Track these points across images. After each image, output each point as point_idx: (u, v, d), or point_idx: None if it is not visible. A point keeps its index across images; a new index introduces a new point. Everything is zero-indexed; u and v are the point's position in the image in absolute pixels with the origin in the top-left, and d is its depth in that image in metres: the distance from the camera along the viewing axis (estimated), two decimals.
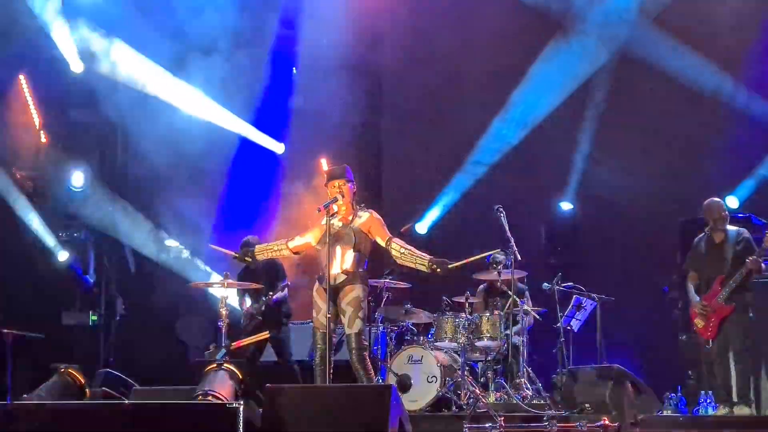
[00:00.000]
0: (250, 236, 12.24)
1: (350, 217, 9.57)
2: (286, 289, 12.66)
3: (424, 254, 9.41)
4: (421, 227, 15.92)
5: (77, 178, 15.45)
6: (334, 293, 9.42)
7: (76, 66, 14.92)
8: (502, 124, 15.46)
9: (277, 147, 16.22)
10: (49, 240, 15.22)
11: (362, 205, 9.68)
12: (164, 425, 5.73)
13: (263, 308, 12.41)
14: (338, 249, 9.43)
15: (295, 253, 10.05)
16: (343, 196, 9.54)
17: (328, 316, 9.34)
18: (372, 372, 9.41)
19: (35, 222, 15.18)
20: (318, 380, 9.40)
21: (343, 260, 9.43)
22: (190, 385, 8.21)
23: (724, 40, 14.12)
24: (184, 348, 14.40)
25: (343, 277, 9.41)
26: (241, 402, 7.07)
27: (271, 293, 12.35)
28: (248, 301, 12.58)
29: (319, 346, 9.48)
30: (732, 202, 13.57)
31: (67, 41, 14.81)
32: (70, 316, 15.26)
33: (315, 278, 9.61)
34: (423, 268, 9.40)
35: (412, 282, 12.66)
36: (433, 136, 15.72)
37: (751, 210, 12.83)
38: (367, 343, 9.57)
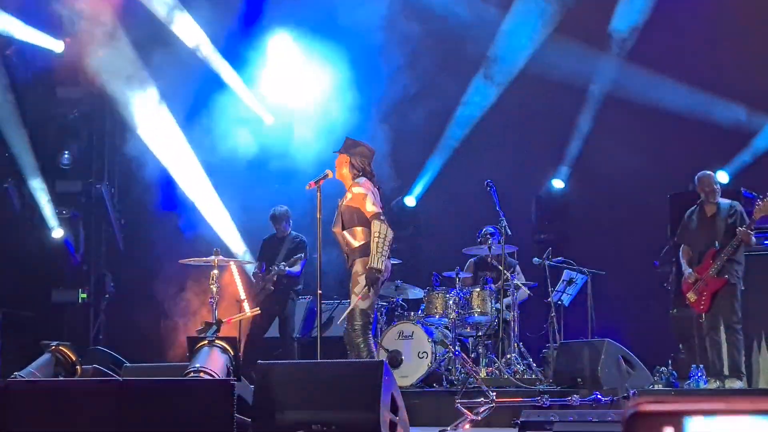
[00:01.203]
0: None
1: (345, 194, 9.54)
2: (302, 265, 12.66)
3: (375, 256, 9.20)
4: (410, 200, 15.88)
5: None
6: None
7: None
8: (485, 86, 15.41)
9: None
10: (50, 216, 15.13)
11: (358, 179, 9.53)
12: (157, 402, 5.69)
13: (275, 278, 12.43)
14: (338, 230, 9.43)
15: None
16: (334, 171, 9.51)
17: (319, 292, 9.36)
18: (370, 349, 9.28)
19: (42, 198, 15.09)
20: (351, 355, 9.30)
21: (345, 240, 9.41)
22: (181, 362, 8.20)
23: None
24: (174, 325, 14.35)
25: (349, 255, 9.40)
26: (234, 379, 7.05)
27: (284, 263, 12.36)
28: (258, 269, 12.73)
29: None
30: (722, 176, 13.56)
31: None
32: (59, 293, 15.21)
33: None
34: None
35: (403, 258, 12.64)
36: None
37: (741, 184, 12.84)
38: (360, 323, 9.23)
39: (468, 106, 15.50)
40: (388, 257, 9.37)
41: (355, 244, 9.35)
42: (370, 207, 9.30)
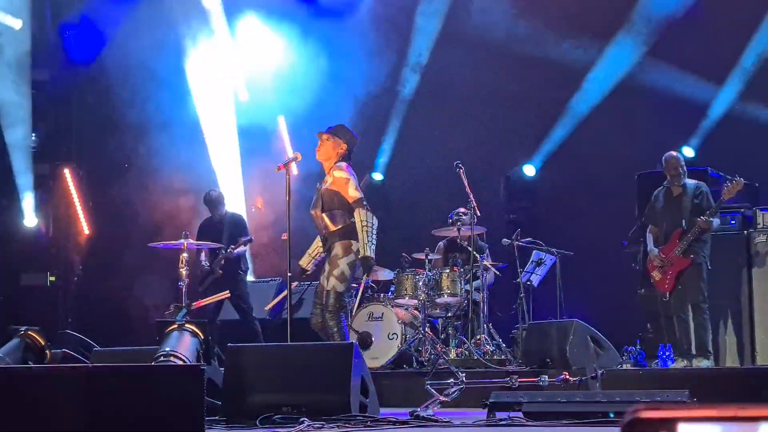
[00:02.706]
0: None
1: (326, 177, 9.57)
2: (248, 245, 12.69)
3: (366, 245, 9.27)
4: (377, 174, 15.98)
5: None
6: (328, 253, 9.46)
7: None
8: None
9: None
10: (28, 201, 15.08)
11: (339, 163, 9.55)
12: (127, 388, 5.69)
13: (223, 262, 12.42)
14: (317, 213, 9.45)
15: None
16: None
17: (290, 274, 9.37)
18: (336, 336, 9.36)
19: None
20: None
21: (324, 223, 9.44)
22: (150, 345, 8.18)
23: None
24: (144, 308, 14.33)
25: (329, 238, 9.42)
26: (204, 364, 7.06)
27: (232, 246, 12.37)
28: (203, 257, 12.63)
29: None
30: (688, 152, 13.66)
31: None
32: (28, 277, 15.16)
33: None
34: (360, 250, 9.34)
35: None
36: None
37: (707, 156, 12.96)
38: (338, 306, 9.39)
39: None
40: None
41: (334, 227, 9.39)
42: (353, 192, 9.36)
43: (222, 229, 12.68)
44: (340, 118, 11.15)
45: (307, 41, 15.52)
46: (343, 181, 9.38)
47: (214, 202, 12.92)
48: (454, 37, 15.29)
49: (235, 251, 12.42)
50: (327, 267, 9.39)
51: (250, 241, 12.81)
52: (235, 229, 12.74)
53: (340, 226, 9.36)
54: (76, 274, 15.60)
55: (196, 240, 12.62)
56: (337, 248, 9.34)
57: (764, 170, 12.78)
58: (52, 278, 15.34)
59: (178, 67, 15.48)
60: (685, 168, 11.01)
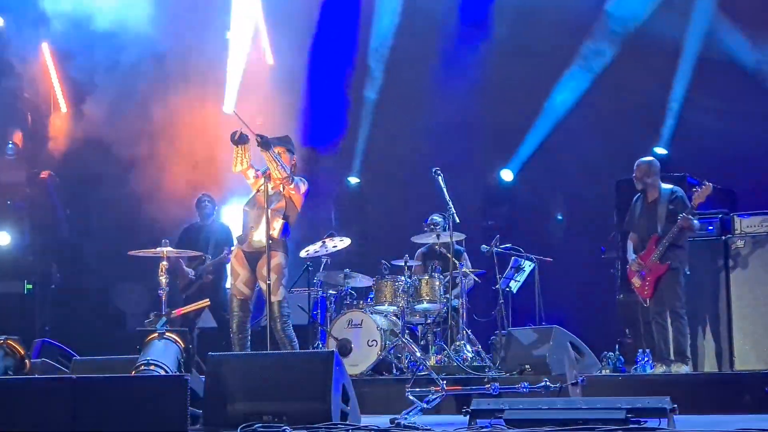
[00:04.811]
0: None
1: (282, 186, 9.61)
2: (231, 255, 12.63)
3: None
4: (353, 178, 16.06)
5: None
6: (254, 259, 9.50)
7: None
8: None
9: None
10: None
11: (299, 177, 9.79)
12: (111, 398, 5.67)
13: (212, 268, 12.38)
14: (268, 213, 9.44)
15: (238, 171, 9.91)
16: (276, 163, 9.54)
17: (268, 282, 9.37)
18: (296, 340, 9.56)
19: None
20: (236, 350, 9.49)
21: (271, 226, 9.43)
22: (129, 354, 8.16)
23: None
24: (122, 316, 14.28)
25: (267, 243, 9.41)
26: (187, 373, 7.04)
27: (226, 251, 12.28)
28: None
29: (236, 313, 9.57)
30: (660, 151, 13.73)
31: None
32: (4, 284, 15.07)
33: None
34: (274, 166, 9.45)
35: (351, 246, 12.64)
36: None
37: (679, 150, 13.04)
38: (290, 311, 9.83)
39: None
40: None
41: (282, 236, 9.77)
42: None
43: (205, 236, 12.62)
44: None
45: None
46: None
47: (205, 207, 12.84)
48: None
49: (228, 258, 12.34)
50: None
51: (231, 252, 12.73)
52: (221, 236, 12.66)
53: (281, 237, 9.66)
54: (54, 282, 15.50)
55: (177, 244, 12.60)
56: (264, 257, 9.44)
57: (740, 175, 12.87)
58: (29, 286, 15.24)
59: None
60: (656, 173, 10.95)
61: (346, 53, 15.80)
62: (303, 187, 9.89)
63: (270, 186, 9.51)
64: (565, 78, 14.92)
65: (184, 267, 12.63)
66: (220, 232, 12.72)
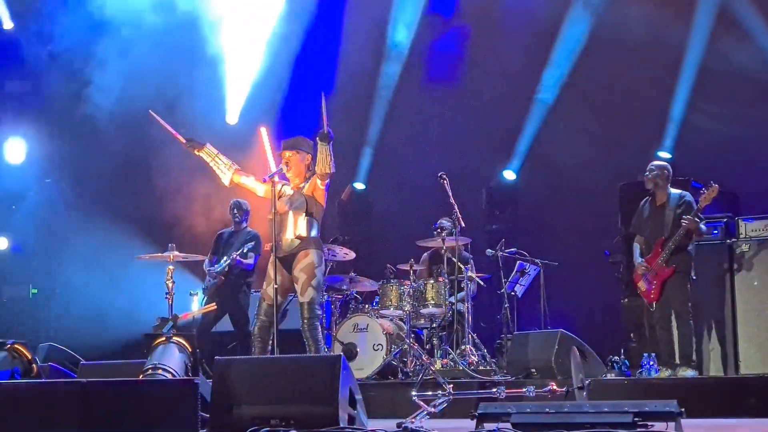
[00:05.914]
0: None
1: (301, 185, 9.58)
2: (255, 259, 12.57)
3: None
4: (358, 184, 16.06)
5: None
6: (287, 261, 9.42)
7: None
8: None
9: None
10: None
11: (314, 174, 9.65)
12: (122, 403, 5.68)
13: (226, 269, 12.35)
14: (290, 215, 9.44)
15: (230, 184, 9.94)
16: (288, 166, 9.55)
17: (275, 286, 9.35)
18: (322, 342, 9.46)
19: None
20: (256, 352, 9.41)
21: (296, 226, 9.42)
22: (135, 358, 8.16)
23: None
24: (128, 320, 14.27)
25: (297, 242, 9.41)
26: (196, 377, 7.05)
27: (235, 252, 12.26)
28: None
29: (260, 317, 9.48)
30: (665, 156, 13.74)
31: None
32: (10, 289, 15.09)
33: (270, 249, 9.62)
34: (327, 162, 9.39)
35: (356, 250, 12.66)
36: None
37: (683, 154, 13.04)
38: (319, 312, 9.59)
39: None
40: None
41: (311, 233, 9.60)
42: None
43: (235, 240, 12.61)
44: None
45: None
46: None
47: (235, 215, 12.78)
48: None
49: (238, 260, 12.31)
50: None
51: (257, 254, 12.65)
52: (247, 241, 12.59)
53: (311, 235, 9.55)
54: (59, 286, 15.52)
55: (212, 250, 12.69)
56: (298, 257, 9.42)
57: (744, 179, 12.88)
58: (35, 291, 15.26)
59: None
60: (666, 177, 10.98)
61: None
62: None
63: (289, 187, 9.56)
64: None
65: (207, 272, 12.62)
66: (246, 237, 12.64)
